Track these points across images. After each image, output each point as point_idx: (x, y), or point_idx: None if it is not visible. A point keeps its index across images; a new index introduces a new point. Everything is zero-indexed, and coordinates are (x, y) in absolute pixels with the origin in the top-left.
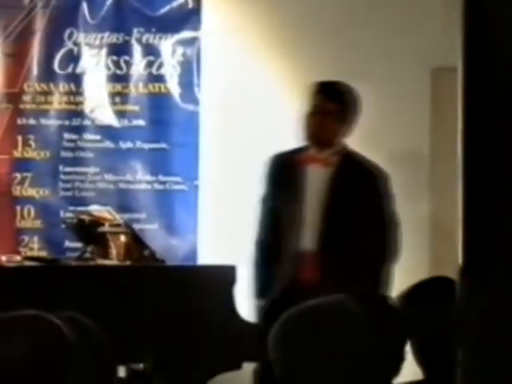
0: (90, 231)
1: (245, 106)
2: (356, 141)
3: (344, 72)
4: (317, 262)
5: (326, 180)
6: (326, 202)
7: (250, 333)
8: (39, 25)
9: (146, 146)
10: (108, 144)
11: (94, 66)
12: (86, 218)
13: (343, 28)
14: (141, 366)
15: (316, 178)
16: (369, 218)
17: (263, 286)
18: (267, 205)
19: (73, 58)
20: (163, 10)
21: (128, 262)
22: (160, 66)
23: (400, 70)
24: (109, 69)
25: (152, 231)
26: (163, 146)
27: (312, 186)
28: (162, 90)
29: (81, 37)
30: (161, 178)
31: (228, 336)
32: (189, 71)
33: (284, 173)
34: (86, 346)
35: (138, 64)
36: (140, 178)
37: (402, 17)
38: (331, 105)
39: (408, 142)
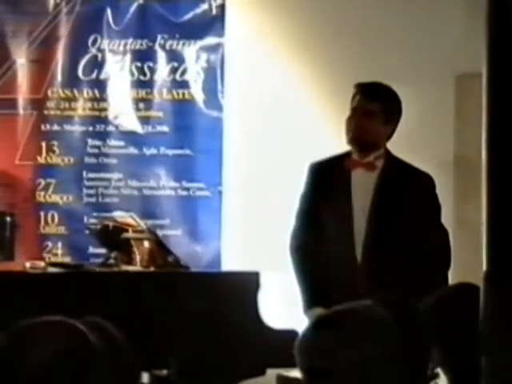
0: (113, 237)
1: (268, 112)
2: None
3: (367, 78)
4: (368, 273)
5: (372, 185)
6: (373, 209)
7: (274, 339)
8: (63, 31)
9: (170, 152)
10: (132, 150)
11: (118, 72)
12: (109, 223)
13: (367, 34)
14: (164, 372)
15: (361, 183)
16: (420, 224)
17: (319, 295)
18: (313, 214)
19: (97, 64)
20: (187, 17)
21: (152, 268)
22: (184, 72)
23: (424, 77)
24: (133, 75)
25: (176, 237)
26: (187, 152)
27: (357, 191)
28: (186, 96)
29: (105, 43)
30: (184, 184)
31: (252, 342)
32: (212, 77)
33: (328, 180)
34: (110, 352)
35: (162, 70)
36: (164, 184)
37: (426, 23)
38: (373, 105)
39: (432, 148)
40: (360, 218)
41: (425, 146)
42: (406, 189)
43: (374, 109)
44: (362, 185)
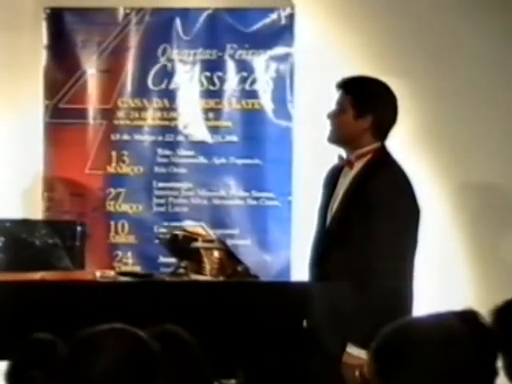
0: (183, 247)
1: None
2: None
3: (436, 86)
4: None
5: (346, 184)
6: (336, 209)
7: None
8: (133, 41)
9: (240, 161)
10: (201, 160)
11: (188, 81)
12: (179, 233)
13: (441, 43)
14: (232, 382)
15: (343, 182)
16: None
17: None
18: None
19: (166, 74)
20: (256, 26)
21: (221, 278)
22: (253, 81)
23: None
24: (202, 85)
25: (245, 247)
26: (256, 161)
27: (339, 189)
28: (255, 105)
29: (174, 53)
30: (254, 193)
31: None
32: (282, 87)
33: (329, 180)
34: (182, 361)
35: (232, 80)
36: (233, 193)
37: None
38: (343, 100)
39: None
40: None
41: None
42: (366, 195)
43: (344, 103)
44: (343, 183)
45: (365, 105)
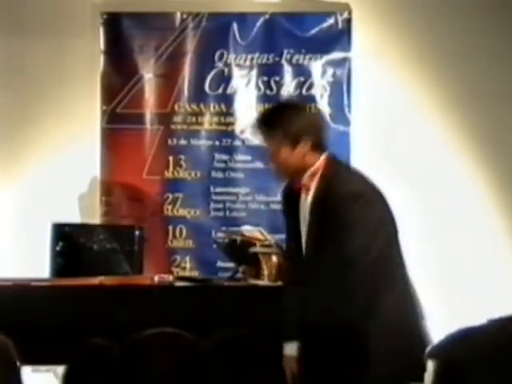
0: (241, 251)
1: (395, 127)
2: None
3: (493, 87)
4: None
5: (307, 207)
6: (306, 235)
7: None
8: (190, 46)
9: None
10: (258, 164)
11: (245, 86)
12: (237, 238)
13: (499, 45)
14: None
15: (302, 205)
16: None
17: None
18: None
19: (223, 78)
20: (313, 31)
21: (280, 283)
22: (310, 86)
23: None
24: (259, 89)
25: None
26: None
27: (301, 214)
28: (313, 110)
29: (231, 57)
30: None
31: None
32: (339, 92)
33: (289, 206)
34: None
35: (289, 84)
36: None
37: None
38: (270, 143)
39: None
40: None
41: None
42: (324, 209)
43: (274, 143)
44: (304, 208)
45: (293, 134)
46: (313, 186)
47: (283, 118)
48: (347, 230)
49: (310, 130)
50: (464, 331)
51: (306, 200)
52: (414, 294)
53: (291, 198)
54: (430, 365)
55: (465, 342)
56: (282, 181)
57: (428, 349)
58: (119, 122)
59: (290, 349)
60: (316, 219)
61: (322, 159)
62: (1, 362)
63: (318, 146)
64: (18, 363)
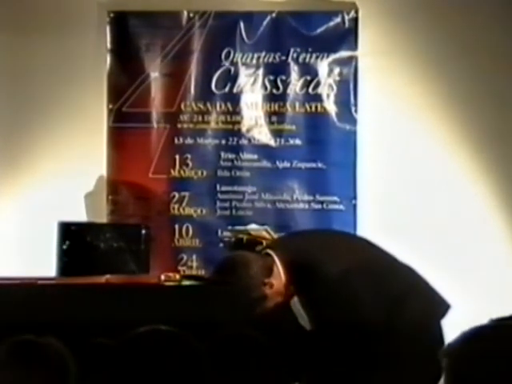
0: (248, 250)
1: (402, 126)
2: None
3: (499, 92)
4: None
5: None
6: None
7: None
8: (197, 45)
9: (303, 165)
10: (265, 163)
11: (251, 85)
12: (244, 237)
13: (500, 53)
14: None
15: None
16: None
17: None
18: None
19: (230, 77)
20: (320, 30)
21: None
22: (317, 85)
23: None
24: (265, 88)
25: None
26: (320, 165)
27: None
28: (319, 109)
29: (238, 56)
30: (318, 197)
31: None
32: (345, 91)
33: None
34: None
35: (295, 83)
36: (297, 197)
37: None
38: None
39: None
40: None
41: None
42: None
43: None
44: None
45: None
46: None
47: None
48: None
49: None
50: (476, 330)
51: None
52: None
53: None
54: (444, 363)
55: (476, 340)
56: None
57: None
58: (126, 120)
59: None
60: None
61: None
62: (58, 370)
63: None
64: (74, 372)
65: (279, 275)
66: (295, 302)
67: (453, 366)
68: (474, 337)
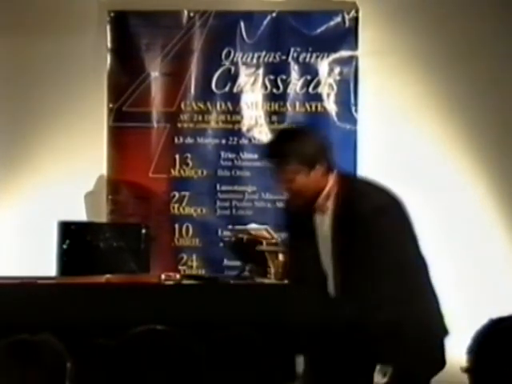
0: (248, 250)
1: (401, 125)
2: None
3: (499, 93)
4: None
5: (328, 228)
6: (332, 253)
7: None
8: (197, 44)
9: None
10: (265, 163)
11: (251, 85)
12: (244, 236)
13: (500, 54)
14: None
15: (320, 227)
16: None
17: None
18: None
19: (230, 77)
20: (320, 30)
21: (286, 281)
22: (317, 84)
23: None
24: (266, 88)
25: None
26: None
27: (320, 235)
28: (319, 108)
29: (238, 56)
30: None
31: None
32: (346, 90)
33: (302, 229)
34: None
35: (295, 83)
36: None
37: None
38: (286, 171)
39: None
40: (327, 260)
41: None
42: (352, 226)
43: (290, 170)
44: (322, 229)
45: (309, 159)
46: (330, 205)
47: (296, 145)
48: (381, 243)
49: (322, 152)
50: (492, 325)
51: (324, 220)
52: (437, 298)
53: (299, 221)
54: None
55: (495, 335)
56: (297, 208)
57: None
58: (126, 120)
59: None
60: (343, 236)
61: (333, 179)
62: (55, 365)
63: (330, 167)
64: (68, 366)
65: (331, 180)
66: (323, 219)
67: (476, 362)
68: (492, 332)
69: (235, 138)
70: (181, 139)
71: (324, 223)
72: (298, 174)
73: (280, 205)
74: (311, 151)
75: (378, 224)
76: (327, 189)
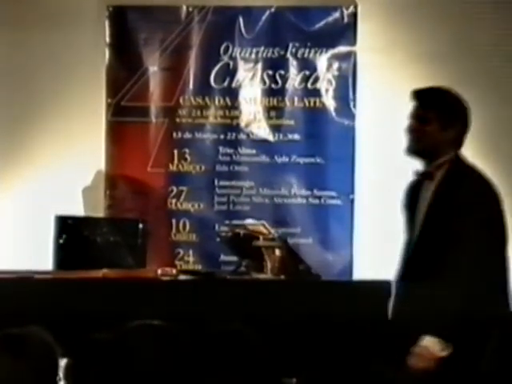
0: (244, 245)
1: (400, 121)
2: None
3: (495, 89)
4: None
5: (428, 196)
6: (424, 221)
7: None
8: (195, 39)
9: (301, 160)
10: (263, 158)
11: (250, 80)
12: (240, 231)
13: (502, 52)
14: (294, 380)
15: (424, 194)
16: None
17: None
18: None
19: (229, 72)
20: (319, 25)
21: (283, 277)
22: (315, 80)
23: None
24: (264, 83)
25: (307, 245)
26: (318, 160)
27: (421, 202)
28: (317, 104)
29: (237, 51)
30: (316, 192)
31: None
32: (344, 86)
33: (409, 197)
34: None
35: (294, 78)
36: (295, 192)
37: None
38: (426, 112)
39: None
40: (418, 228)
41: None
42: (453, 202)
43: (427, 115)
44: (424, 197)
45: (449, 118)
46: (439, 175)
47: (449, 99)
48: (481, 228)
49: (463, 121)
50: None
51: (428, 188)
52: None
53: (412, 190)
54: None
55: None
56: (409, 155)
57: None
58: (124, 115)
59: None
60: (441, 207)
61: (451, 155)
62: (44, 357)
63: (460, 140)
64: (58, 358)
65: (450, 154)
66: (428, 185)
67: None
68: None
69: (233, 133)
70: (179, 134)
71: (427, 192)
72: (431, 123)
73: (278, 200)
74: (456, 116)
75: (478, 210)
76: (443, 159)
